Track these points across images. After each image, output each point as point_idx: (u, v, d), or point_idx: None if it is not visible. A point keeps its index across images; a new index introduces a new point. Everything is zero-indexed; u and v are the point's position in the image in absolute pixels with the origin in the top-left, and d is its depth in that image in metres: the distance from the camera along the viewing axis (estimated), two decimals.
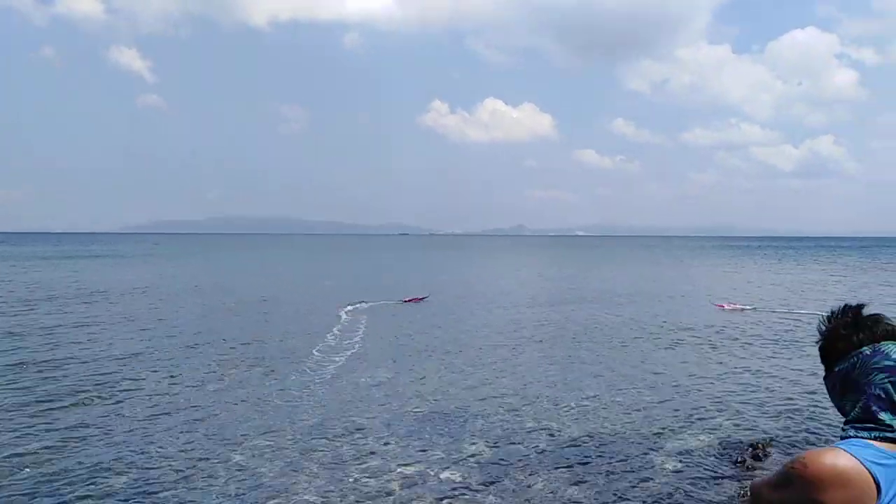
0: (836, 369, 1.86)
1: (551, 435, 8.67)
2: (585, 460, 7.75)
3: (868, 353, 1.80)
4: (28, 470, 7.29)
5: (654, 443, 8.39)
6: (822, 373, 1.95)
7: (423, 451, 8.04)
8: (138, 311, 21.39)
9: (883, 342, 1.80)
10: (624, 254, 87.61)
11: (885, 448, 1.70)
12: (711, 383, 11.71)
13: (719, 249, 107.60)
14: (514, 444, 8.33)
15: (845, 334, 1.85)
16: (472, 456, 7.87)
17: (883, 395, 1.75)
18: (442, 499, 6.67)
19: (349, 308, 22.48)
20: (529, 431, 8.83)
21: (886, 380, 1.76)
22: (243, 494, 6.75)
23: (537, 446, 8.22)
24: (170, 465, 7.49)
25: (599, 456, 7.91)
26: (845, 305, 1.91)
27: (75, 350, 14.40)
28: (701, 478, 7.24)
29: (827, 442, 7.44)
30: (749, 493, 1.96)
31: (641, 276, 40.67)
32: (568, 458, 7.79)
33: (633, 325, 19.15)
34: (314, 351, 14.48)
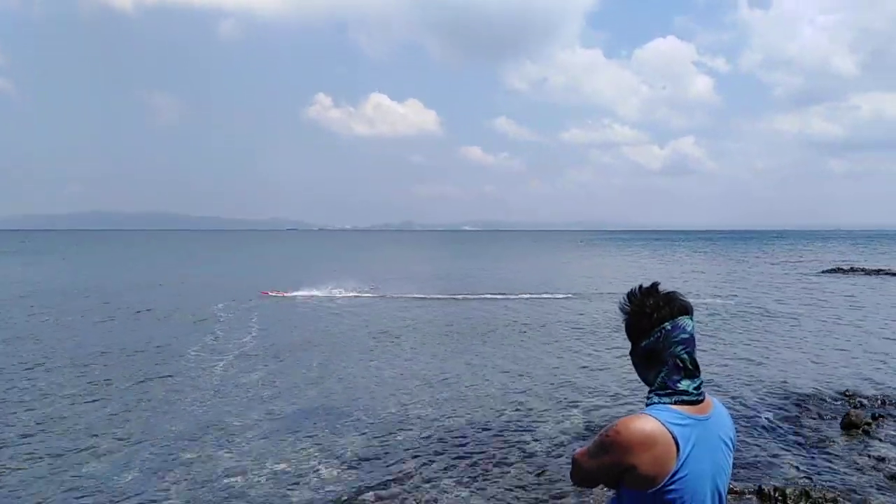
0: (643, 345, 2.03)
1: (427, 426, 8.74)
2: (460, 449, 7.88)
3: (669, 328, 2.00)
4: None
5: (526, 428, 8.70)
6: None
7: (298, 447, 7.85)
8: None
9: (679, 317, 2.00)
10: (501, 248, 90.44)
11: (684, 410, 1.95)
12: (560, 372, 12.34)
13: (597, 242, 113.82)
14: (390, 435, 8.32)
15: (648, 312, 2.02)
16: (348, 450, 7.78)
17: (681, 365, 1.99)
18: (314, 493, 6.54)
19: (223, 305, 21.56)
20: (406, 423, 8.86)
21: (683, 351, 1.99)
22: (96, 489, 6.29)
23: (414, 438, 8.26)
24: (17, 482, 6.82)
25: (474, 444, 8.08)
26: (641, 285, 2.09)
27: None
28: (563, 458, 7.59)
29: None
30: (571, 463, 2.09)
31: (518, 269, 42.13)
32: (443, 448, 7.89)
33: (501, 317, 19.77)
34: (189, 351, 13.76)
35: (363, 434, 8.37)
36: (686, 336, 1.99)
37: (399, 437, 8.23)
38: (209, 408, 9.49)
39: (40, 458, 7.49)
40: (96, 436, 8.22)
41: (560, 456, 7.56)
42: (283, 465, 7.25)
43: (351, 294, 25.48)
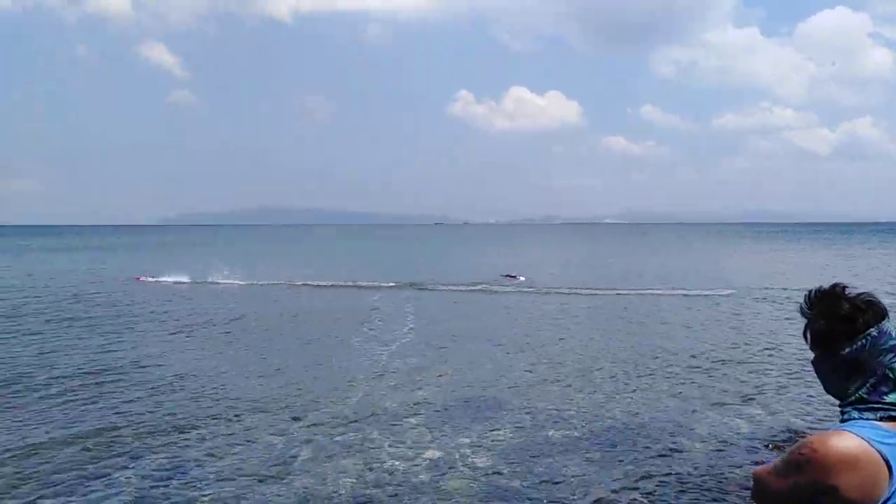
0: (844, 352, 1.80)
1: (586, 421, 8.59)
2: (617, 446, 7.66)
3: (875, 334, 1.77)
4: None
5: (688, 428, 8.26)
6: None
7: (454, 436, 8.03)
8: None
9: (883, 322, 1.78)
10: (647, 241, 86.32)
11: (890, 428, 1.70)
12: (737, 367, 11.48)
13: (756, 234, 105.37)
14: (546, 430, 8.27)
15: (848, 316, 1.79)
16: (503, 441, 7.84)
17: (891, 376, 1.75)
18: (469, 483, 6.66)
19: (378, 296, 22.64)
20: (564, 418, 8.75)
21: (894, 360, 1.75)
22: (273, 477, 6.84)
23: (572, 432, 8.15)
24: (198, 441, 7.64)
25: (633, 441, 7.81)
26: (834, 284, 1.86)
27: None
28: (732, 463, 7.11)
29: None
30: (753, 483, 1.91)
31: (682, 263, 40.06)
32: (600, 444, 7.72)
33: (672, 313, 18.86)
34: (354, 340, 14.56)
35: (518, 427, 8.39)
36: (894, 343, 1.76)
37: (554, 434, 8.15)
38: (372, 394, 9.98)
39: (227, 433, 8.29)
40: (271, 413, 8.97)
41: (722, 460, 7.08)
42: (439, 454, 7.45)
43: (491, 287, 25.71)
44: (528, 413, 9.00)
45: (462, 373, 11.37)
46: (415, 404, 9.41)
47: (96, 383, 10.59)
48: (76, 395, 9.86)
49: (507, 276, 29.53)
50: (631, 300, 21.68)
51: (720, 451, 7.53)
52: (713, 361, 12.14)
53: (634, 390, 10.16)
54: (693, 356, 12.49)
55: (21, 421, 8.61)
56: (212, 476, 6.84)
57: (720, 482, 6.65)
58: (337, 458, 7.34)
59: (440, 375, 11.16)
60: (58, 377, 10.93)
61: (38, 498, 6.27)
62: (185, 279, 28.43)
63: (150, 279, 28.38)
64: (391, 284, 26.49)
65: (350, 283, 27.27)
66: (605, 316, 18.19)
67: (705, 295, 22.37)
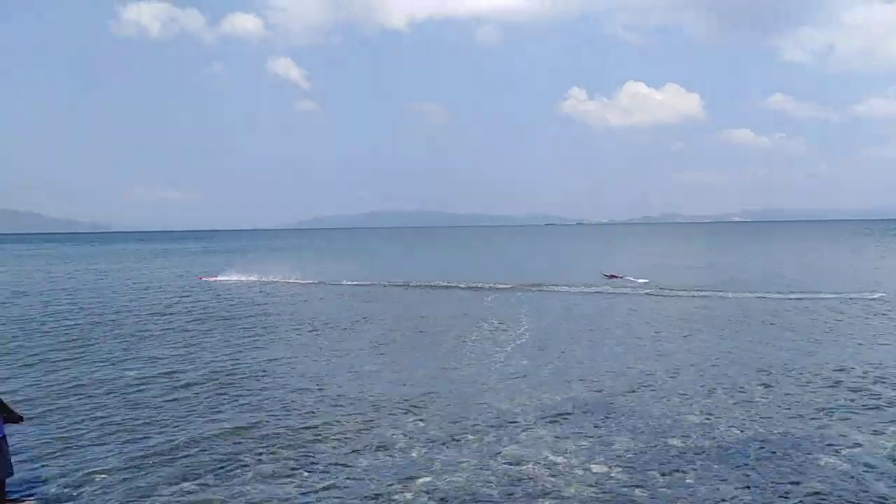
0: None
1: (710, 432, 8.18)
2: (745, 460, 7.23)
3: None
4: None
5: (829, 446, 7.64)
6: None
7: (571, 440, 7.93)
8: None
9: None
10: (790, 240, 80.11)
11: None
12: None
13: None
14: (666, 437, 7.97)
15: None
16: (620, 447, 7.65)
17: None
18: (586, 489, 6.56)
19: (491, 298, 22.72)
20: (685, 426, 8.40)
21: None
22: (392, 468, 7.07)
23: (693, 442, 7.81)
24: (323, 431, 8.04)
25: (762, 456, 7.35)
26: None
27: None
28: (875, 479, 6.49)
29: None
30: None
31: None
32: (724, 456, 7.32)
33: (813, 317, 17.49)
34: (469, 339, 14.75)
35: (635, 434, 8.15)
36: None
37: (674, 442, 7.84)
38: (489, 395, 10.06)
39: (353, 430, 8.67)
40: (390, 411, 9.27)
41: (867, 486, 6.48)
42: (556, 457, 7.38)
43: (606, 288, 25.01)
44: (646, 419, 8.71)
45: (578, 375, 11.18)
46: (530, 406, 9.37)
47: (237, 381, 11.37)
48: (223, 391, 10.65)
49: (609, 275, 29.16)
50: (765, 303, 20.31)
51: (865, 474, 6.91)
52: (859, 376, 11.11)
53: (764, 401, 9.52)
54: (839, 369, 11.41)
55: (177, 415, 9.46)
56: (340, 472, 7.19)
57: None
58: (453, 456, 7.47)
59: (556, 378, 11.05)
60: (204, 375, 11.83)
61: (198, 486, 6.88)
62: (310, 280, 30.19)
63: (212, 279, 30.84)
64: (505, 286, 26.51)
65: (463, 285, 27.58)
66: (734, 320, 17.15)
67: (850, 298, 20.53)
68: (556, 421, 8.67)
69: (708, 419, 8.65)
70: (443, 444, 7.86)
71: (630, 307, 20.21)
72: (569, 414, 8.97)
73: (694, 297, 22.40)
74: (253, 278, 31.49)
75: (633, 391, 10.13)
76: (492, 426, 8.50)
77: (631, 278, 28.01)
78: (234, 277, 31.47)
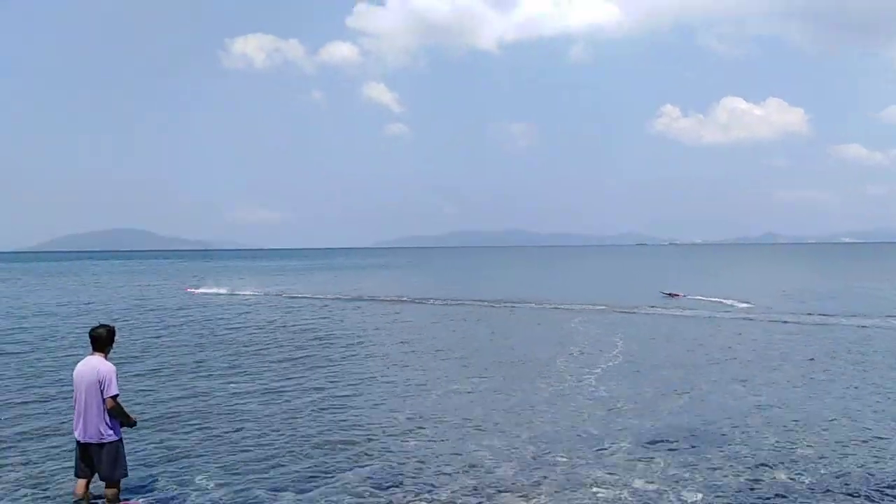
0: None
1: (826, 468, 7.61)
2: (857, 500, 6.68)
3: None
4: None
5: None
6: None
7: (661, 466, 7.62)
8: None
9: None
10: None
11: None
12: None
13: None
14: (774, 470, 7.50)
15: None
16: (719, 479, 7.25)
17: None
18: None
19: (579, 319, 22.29)
20: (796, 461, 7.86)
21: None
22: (478, 489, 7.03)
23: (805, 479, 7.28)
24: (413, 450, 8.11)
25: (880, 495, 6.76)
26: None
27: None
28: None
29: None
30: None
31: None
32: (842, 499, 6.78)
33: None
34: (557, 361, 14.52)
35: (736, 464, 7.71)
36: None
37: (782, 477, 7.34)
38: (578, 417, 9.86)
39: (437, 446, 8.72)
40: (476, 426, 9.25)
41: None
42: (645, 484, 7.11)
43: (705, 312, 23.95)
44: (749, 448, 8.23)
45: (674, 401, 10.75)
46: (621, 430, 9.08)
47: (331, 397, 11.68)
48: (319, 406, 10.99)
49: (669, 294, 29.22)
50: (889, 333, 18.78)
51: None
52: None
53: (889, 439, 8.76)
54: None
55: (274, 428, 9.86)
56: (424, 489, 7.23)
57: None
58: (541, 479, 7.34)
59: (649, 402, 10.66)
60: (302, 390, 12.17)
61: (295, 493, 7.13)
62: (405, 297, 31.01)
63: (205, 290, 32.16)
64: (594, 307, 25.97)
65: (550, 305, 27.26)
66: (853, 349, 15.93)
67: None
68: (647, 447, 8.35)
69: (824, 456, 8.03)
70: (530, 466, 7.75)
71: (734, 332, 19.25)
72: (662, 441, 8.61)
73: (802, 323, 21.01)
74: (348, 294, 32.54)
75: (735, 420, 9.60)
76: (580, 449, 8.30)
77: (691, 296, 28.05)
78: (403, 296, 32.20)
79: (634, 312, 24.14)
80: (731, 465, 7.66)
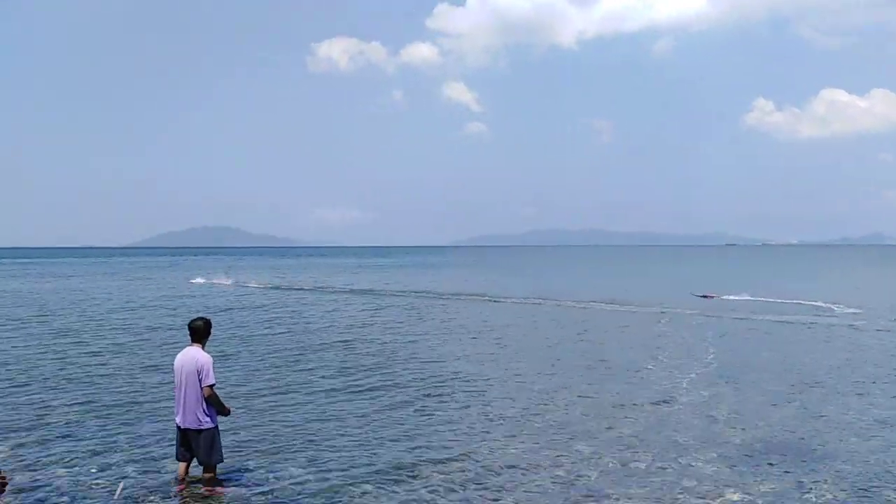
0: None
1: None
2: None
3: None
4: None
5: None
6: None
7: (760, 481, 7.22)
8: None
9: None
10: None
11: None
12: None
13: None
14: (883, 489, 6.97)
15: None
16: (821, 494, 6.81)
17: None
18: None
19: (665, 321, 21.54)
20: None
21: None
22: (563, 495, 6.91)
23: None
24: (496, 452, 8.07)
25: None
26: None
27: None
28: None
29: None
30: None
31: None
32: None
33: None
34: (647, 365, 14.06)
35: (839, 480, 7.22)
36: None
37: (889, 495, 6.81)
38: (667, 424, 9.53)
39: (519, 449, 8.65)
40: (563, 430, 9.11)
41: None
42: (740, 496, 6.78)
43: (803, 317, 22.57)
44: (855, 465, 7.68)
45: (771, 412, 10.17)
46: (713, 439, 8.69)
47: (418, 396, 11.81)
48: (409, 402, 11.21)
49: (702, 295, 28.57)
50: None
51: None
52: None
53: None
54: None
55: (365, 424, 10.09)
56: (510, 494, 7.18)
57: None
58: (627, 487, 7.13)
59: (745, 412, 10.12)
60: (390, 385, 12.37)
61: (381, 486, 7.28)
62: (486, 295, 31.04)
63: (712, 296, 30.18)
64: (685, 310, 25.02)
65: (635, 307, 26.47)
66: None
67: None
68: (742, 459, 7.95)
69: None
70: (617, 473, 7.55)
71: (842, 339, 17.97)
72: (757, 453, 8.18)
73: None
74: (430, 291, 32.91)
75: (840, 434, 8.99)
76: (670, 458, 8.00)
77: (725, 297, 27.03)
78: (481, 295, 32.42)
79: (724, 317, 23.06)
80: (831, 481, 7.19)
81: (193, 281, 46.30)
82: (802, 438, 8.80)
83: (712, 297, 28.69)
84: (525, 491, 7.02)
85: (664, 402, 10.80)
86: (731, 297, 28.32)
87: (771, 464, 7.77)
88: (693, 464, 7.79)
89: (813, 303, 26.56)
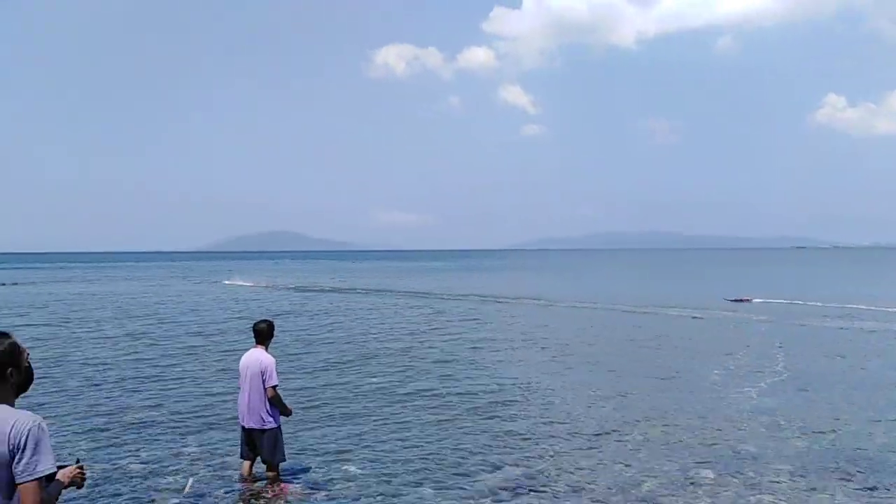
0: None
1: None
2: None
3: None
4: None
5: None
6: None
7: (832, 496, 6.88)
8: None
9: None
10: None
11: None
12: None
13: None
14: None
15: None
16: None
17: None
18: None
19: (733, 326, 20.79)
20: None
21: None
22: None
23: None
24: (555, 458, 7.97)
25: None
26: None
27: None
28: None
29: None
30: None
31: None
32: None
33: None
34: (713, 373, 13.59)
35: None
36: None
37: None
38: (736, 433, 9.22)
39: (582, 457, 8.51)
40: (625, 439, 8.92)
41: None
42: None
43: (881, 324, 21.35)
44: None
45: (845, 423, 9.68)
46: (784, 451, 8.32)
47: (474, 402, 11.76)
48: (466, 406, 11.24)
49: (736, 300, 28.37)
50: None
51: None
52: None
53: None
54: None
55: (426, 428, 10.15)
56: (567, 499, 7.07)
57: None
58: (689, 499, 6.91)
59: (817, 424, 9.64)
60: (449, 390, 12.28)
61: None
62: (543, 299, 30.92)
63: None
64: (751, 316, 24.11)
65: (699, 313, 25.65)
66: None
67: None
68: (812, 472, 7.60)
69: None
70: (678, 483, 7.33)
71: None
72: (828, 467, 7.78)
73: None
74: (490, 295, 32.91)
75: None
76: (734, 469, 7.71)
77: (754, 299, 26.17)
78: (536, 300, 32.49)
79: (796, 324, 22.08)
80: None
81: (249, 284, 47.88)
82: (879, 452, 8.31)
83: (747, 300, 28.43)
84: (590, 499, 6.90)
85: (731, 410, 10.43)
86: (767, 301, 27.95)
87: (845, 479, 7.37)
88: (759, 476, 7.48)
89: (871, 308, 25.11)
